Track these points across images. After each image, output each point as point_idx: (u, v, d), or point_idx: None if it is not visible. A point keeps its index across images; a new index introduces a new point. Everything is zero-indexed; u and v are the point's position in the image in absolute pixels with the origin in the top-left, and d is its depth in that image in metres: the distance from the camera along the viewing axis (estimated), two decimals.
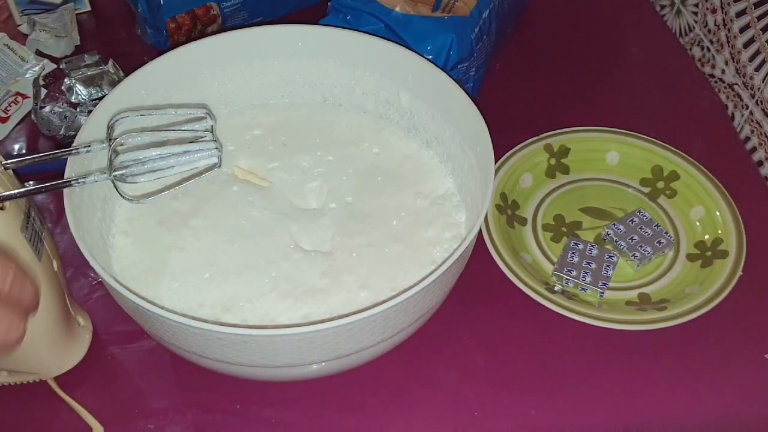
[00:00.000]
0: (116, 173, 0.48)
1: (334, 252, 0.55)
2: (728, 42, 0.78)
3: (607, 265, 0.60)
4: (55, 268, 0.50)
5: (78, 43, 0.82)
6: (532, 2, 0.88)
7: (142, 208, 0.57)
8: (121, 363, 0.56)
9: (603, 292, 0.59)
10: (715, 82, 0.80)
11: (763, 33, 0.72)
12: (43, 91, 0.68)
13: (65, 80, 0.67)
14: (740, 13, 0.75)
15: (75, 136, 0.52)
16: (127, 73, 0.57)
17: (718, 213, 0.63)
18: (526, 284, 0.57)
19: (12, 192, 0.45)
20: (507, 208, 0.64)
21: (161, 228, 0.56)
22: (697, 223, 0.64)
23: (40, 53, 0.79)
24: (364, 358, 0.49)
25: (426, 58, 0.59)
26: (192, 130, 0.53)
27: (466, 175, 0.57)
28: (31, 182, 0.48)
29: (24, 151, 0.71)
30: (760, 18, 0.72)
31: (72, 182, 0.48)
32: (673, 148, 0.68)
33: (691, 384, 0.56)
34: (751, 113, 0.75)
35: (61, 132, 0.68)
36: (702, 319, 0.56)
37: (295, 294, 0.52)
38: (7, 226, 0.45)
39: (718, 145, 0.73)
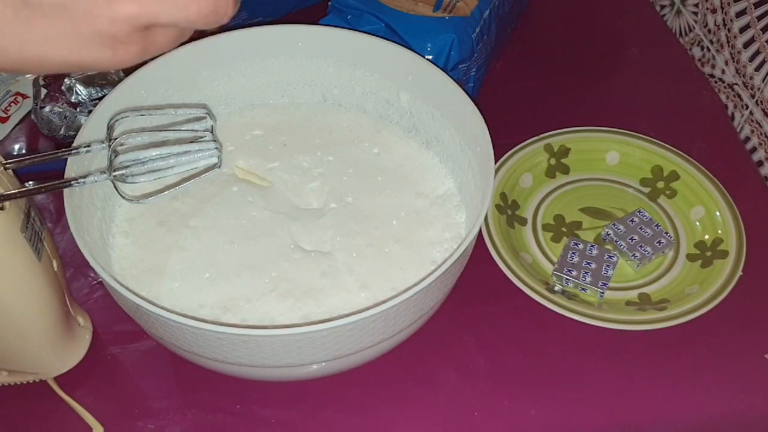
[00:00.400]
0: (116, 173, 0.48)
1: (334, 252, 0.55)
2: (728, 42, 0.78)
3: (607, 265, 0.60)
4: (55, 268, 0.50)
5: None
6: (532, 2, 0.88)
7: (142, 208, 0.57)
8: (121, 363, 0.56)
9: (603, 292, 0.59)
10: (715, 82, 0.80)
11: (763, 33, 0.72)
12: (43, 91, 0.68)
13: (65, 80, 0.67)
14: (740, 13, 0.75)
15: (75, 136, 0.52)
16: (127, 73, 0.57)
17: (718, 213, 0.63)
18: (526, 284, 0.57)
19: (12, 192, 0.45)
20: (507, 208, 0.64)
21: (161, 228, 0.56)
22: (697, 223, 0.64)
23: None
24: (364, 358, 0.49)
25: (426, 58, 0.60)
26: (192, 130, 0.53)
27: (466, 175, 0.57)
28: (31, 182, 0.48)
29: (24, 151, 0.71)
30: (760, 18, 0.72)
31: (72, 182, 0.48)
32: (673, 148, 0.68)
33: (691, 384, 0.56)
34: (751, 113, 0.75)
35: (61, 132, 0.68)
36: (702, 319, 0.56)
37: (295, 294, 0.52)
38: (7, 226, 0.45)
39: (718, 145, 0.73)
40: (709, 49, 0.82)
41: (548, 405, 0.54)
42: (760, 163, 0.73)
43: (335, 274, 0.53)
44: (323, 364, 0.47)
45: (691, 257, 0.62)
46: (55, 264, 0.50)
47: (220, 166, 0.52)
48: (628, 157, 0.69)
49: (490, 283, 0.59)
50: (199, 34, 0.80)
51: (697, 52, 0.84)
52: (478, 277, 0.56)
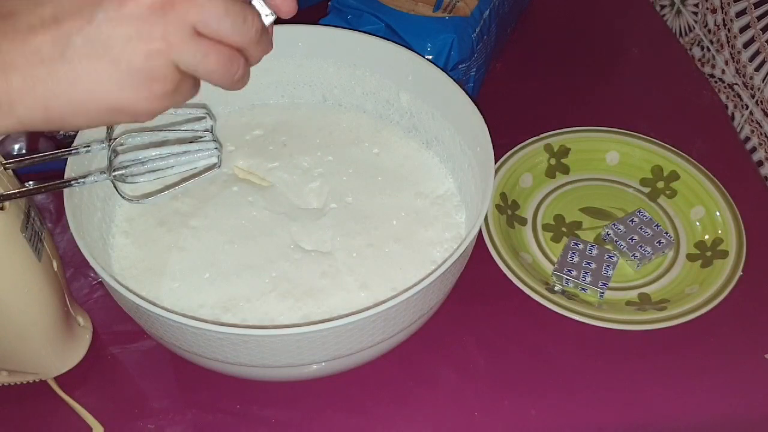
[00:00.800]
0: (116, 173, 0.48)
1: (334, 252, 0.55)
2: (728, 42, 0.78)
3: (607, 265, 0.60)
4: (55, 268, 0.50)
5: None
6: (532, 2, 0.88)
7: (142, 208, 0.57)
8: (121, 363, 0.56)
9: (603, 292, 0.59)
10: (715, 82, 0.80)
11: (763, 33, 0.72)
12: None
13: None
14: (740, 13, 0.75)
15: (75, 136, 0.52)
16: None
17: (718, 213, 0.63)
18: (526, 284, 0.57)
19: (12, 192, 0.45)
20: (507, 208, 0.64)
21: (161, 228, 0.56)
22: (697, 223, 0.64)
23: None
24: (364, 358, 0.49)
25: (426, 58, 0.60)
26: (192, 130, 0.53)
27: (466, 175, 0.57)
28: (31, 182, 0.48)
29: (24, 151, 0.71)
30: (760, 18, 0.72)
31: (72, 182, 0.48)
32: (673, 148, 0.68)
33: (691, 384, 0.56)
34: (751, 113, 0.75)
35: (61, 132, 0.68)
36: (702, 319, 0.56)
37: (295, 294, 0.52)
38: (7, 226, 0.45)
39: (718, 145, 0.73)
40: (709, 49, 0.82)
41: (548, 405, 0.54)
42: (760, 163, 0.73)
43: (335, 274, 0.53)
44: (323, 364, 0.47)
45: (691, 257, 0.62)
46: (55, 264, 0.50)
47: (219, 166, 0.52)
48: (628, 157, 0.69)
49: (490, 283, 0.59)
50: None
51: (697, 52, 0.84)
52: (478, 277, 0.56)
